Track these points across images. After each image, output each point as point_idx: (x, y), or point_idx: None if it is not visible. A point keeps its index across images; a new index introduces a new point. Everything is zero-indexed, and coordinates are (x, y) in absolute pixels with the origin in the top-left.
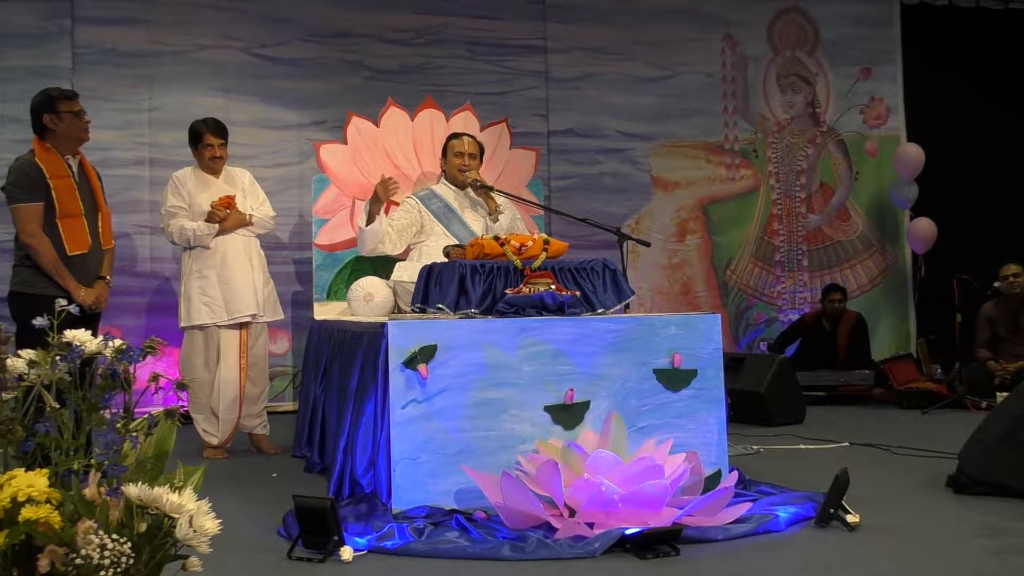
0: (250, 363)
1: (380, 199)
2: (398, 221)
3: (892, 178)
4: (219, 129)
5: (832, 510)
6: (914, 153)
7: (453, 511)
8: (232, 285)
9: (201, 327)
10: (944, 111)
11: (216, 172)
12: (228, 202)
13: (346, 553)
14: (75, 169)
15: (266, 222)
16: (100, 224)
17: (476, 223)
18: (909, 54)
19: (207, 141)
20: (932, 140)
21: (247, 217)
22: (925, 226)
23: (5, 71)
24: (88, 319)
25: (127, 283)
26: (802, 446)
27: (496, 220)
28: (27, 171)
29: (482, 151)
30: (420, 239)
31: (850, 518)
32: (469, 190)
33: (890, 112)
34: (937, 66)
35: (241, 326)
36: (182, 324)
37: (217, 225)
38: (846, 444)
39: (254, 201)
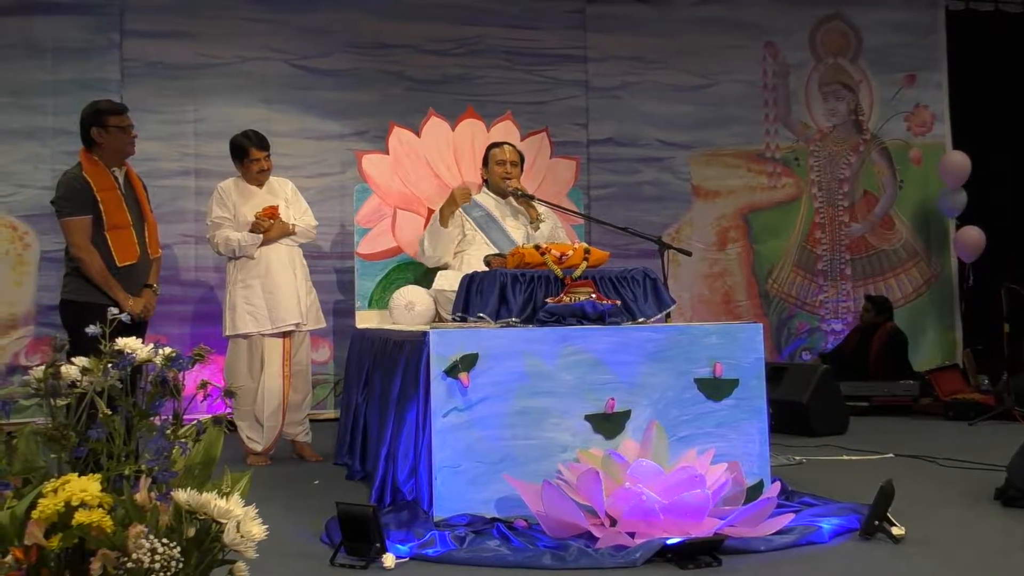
0: (293, 371)
1: (456, 203)
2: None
3: (937, 186)
4: (262, 142)
5: (877, 522)
6: (959, 161)
7: (494, 519)
8: (276, 294)
9: (246, 336)
10: (991, 118)
11: (260, 183)
12: (272, 212)
13: (388, 560)
14: (121, 181)
15: (309, 231)
16: (147, 234)
17: (517, 232)
18: (954, 60)
19: (253, 156)
20: (978, 147)
21: (290, 227)
22: (974, 235)
23: (56, 83)
24: (136, 327)
25: (173, 292)
26: (845, 457)
27: (537, 228)
28: (75, 185)
29: (522, 160)
30: (461, 248)
31: (895, 530)
32: (511, 199)
33: (935, 119)
34: (983, 72)
35: (285, 335)
36: (226, 333)
37: (261, 235)
38: (890, 455)
39: (296, 210)
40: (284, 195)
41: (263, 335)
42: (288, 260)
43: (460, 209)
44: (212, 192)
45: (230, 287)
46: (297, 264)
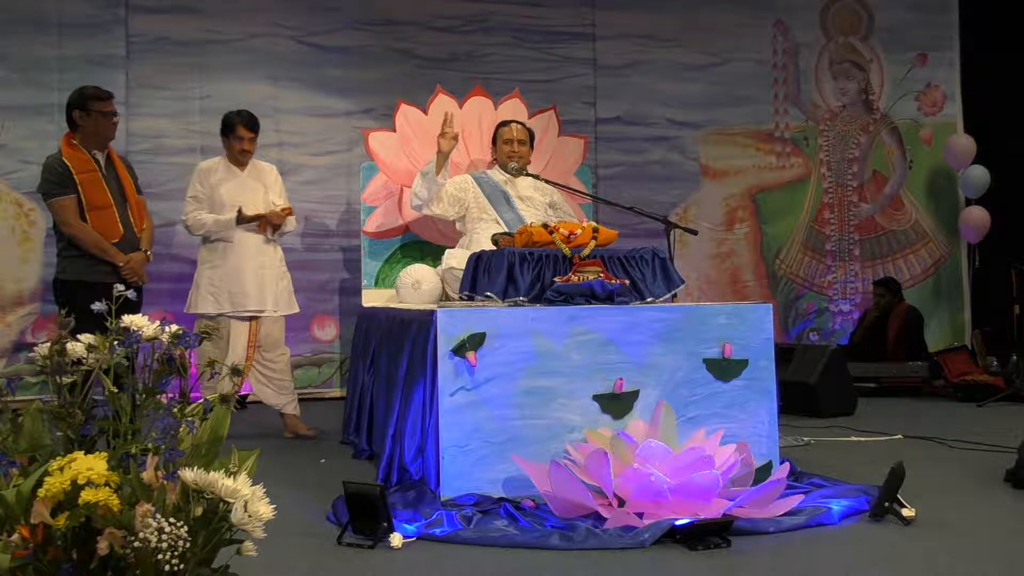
0: (266, 355)
1: (444, 151)
2: (451, 188)
3: (948, 166)
4: (252, 122)
5: (887, 503)
6: (964, 143)
7: (501, 499)
8: (240, 279)
9: (207, 316)
10: (1003, 97)
11: (242, 165)
12: (289, 212)
13: (395, 539)
14: (103, 163)
15: (285, 232)
16: (131, 213)
17: (527, 212)
18: (967, 39)
19: (238, 133)
20: (990, 127)
21: (269, 232)
22: (978, 215)
23: (63, 60)
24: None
25: (180, 270)
26: (854, 438)
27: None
28: (55, 168)
29: (532, 137)
30: (471, 217)
31: (905, 512)
32: (522, 178)
33: (946, 99)
34: (996, 51)
35: (251, 318)
36: (186, 310)
37: (234, 219)
38: (899, 436)
39: (277, 199)
40: (266, 181)
41: (228, 317)
42: (259, 246)
43: (473, 181)
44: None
45: (199, 267)
46: (269, 250)
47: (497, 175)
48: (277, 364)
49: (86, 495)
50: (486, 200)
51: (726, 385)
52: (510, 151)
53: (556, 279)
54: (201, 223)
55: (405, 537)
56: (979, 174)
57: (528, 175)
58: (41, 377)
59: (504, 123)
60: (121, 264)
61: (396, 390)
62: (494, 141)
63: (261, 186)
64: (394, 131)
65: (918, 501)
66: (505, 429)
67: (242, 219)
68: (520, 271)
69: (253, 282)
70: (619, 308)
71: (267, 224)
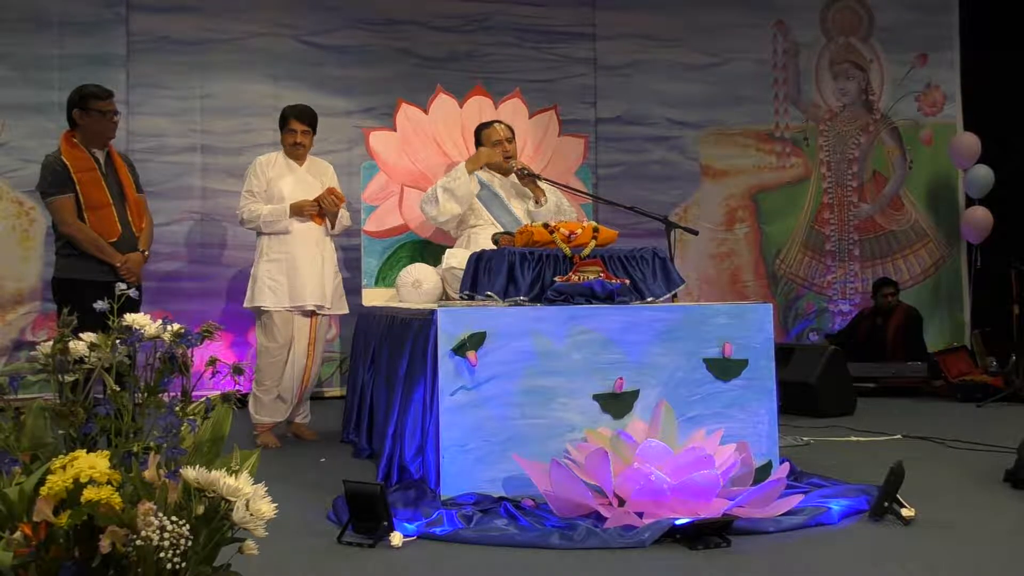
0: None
1: (479, 161)
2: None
3: (948, 167)
4: (304, 115)
5: (887, 503)
6: (969, 142)
7: (501, 498)
8: (299, 273)
9: (266, 310)
10: (1003, 97)
11: (298, 159)
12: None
13: (396, 539)
14: (102, 162)
15: (343, 226)
16: (129, 212)
17: (520, 210)
18: (967, 39)
19: (291, 126)
20: (991, 127)
21: (326, 224)
22: (981, 215)
23: (64, 58)
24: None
25: (178, 268)
26: (853, 438)
27: (541, 206)
28: (54, 167)
29: (513, 135)
30: (465, 223)
31: (905, 512)
32: (512, 177)
33: (946, 99)
34: (996, 51)
35: (312, 314)
36: (245, 304)
37: (286, 209)
38: (898, 436)
39: None
40: (323, 178)
41: (290, 311)
42: (317, 242)
43: (476, 182)
44: (247, 167)
45: (257, 260)
46: (326, 248)
47: (490, 177)
48: (313, 366)
49: (88, 493)
50: (481, 204)
51: (726, 385)
52: (503, 150)
53: (556, 279)
54: (256, 215)
55: (405, 536)
56: (984, 174)
57: (529, 175)
58: (42, 376)
59: (487, 124)
60: (118, 264)
61: (396, 389)
62: (478, 142)
63: (319, 182)
64: (395, 130)
65: (918, 501)
66: (505, 428)
67: (296, 207)
68: (520, 271)
69: (311, 275)
70: (619, 308)
71: (322, 212)
